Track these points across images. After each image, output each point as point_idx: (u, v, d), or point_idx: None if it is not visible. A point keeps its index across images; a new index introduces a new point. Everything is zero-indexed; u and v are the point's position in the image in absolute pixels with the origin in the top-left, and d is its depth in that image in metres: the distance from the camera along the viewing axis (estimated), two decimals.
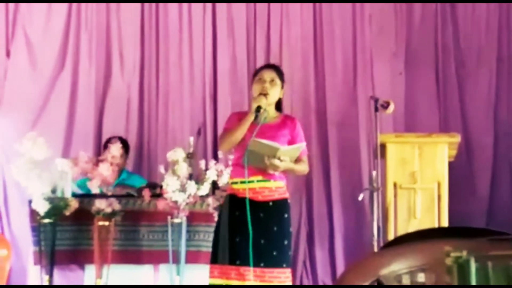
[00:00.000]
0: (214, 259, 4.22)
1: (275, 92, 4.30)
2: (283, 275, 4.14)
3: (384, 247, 3.18)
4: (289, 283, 4.18)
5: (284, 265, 4.16)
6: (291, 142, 4.27)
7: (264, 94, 4.23)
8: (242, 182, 4.19)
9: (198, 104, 7.10)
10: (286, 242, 4.20)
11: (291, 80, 7.06)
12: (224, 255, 4.13)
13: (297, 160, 4.27)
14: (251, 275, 4.05)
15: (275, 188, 4.22)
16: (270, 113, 4.32)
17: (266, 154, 4.07)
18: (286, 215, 4.24)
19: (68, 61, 7.06)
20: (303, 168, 4.39)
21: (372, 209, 5.18)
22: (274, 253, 4.12)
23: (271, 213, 4.18)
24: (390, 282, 2.10)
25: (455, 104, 7.07)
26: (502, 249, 1.88)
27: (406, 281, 2.08)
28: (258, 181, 4.19)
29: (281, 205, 4.23)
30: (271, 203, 4.19)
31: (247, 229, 4.09)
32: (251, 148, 4.10)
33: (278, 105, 4.44)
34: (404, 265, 2.09)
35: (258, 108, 4.16)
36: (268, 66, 4.60)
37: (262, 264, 4.09)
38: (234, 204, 4.19)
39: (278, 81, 4.32)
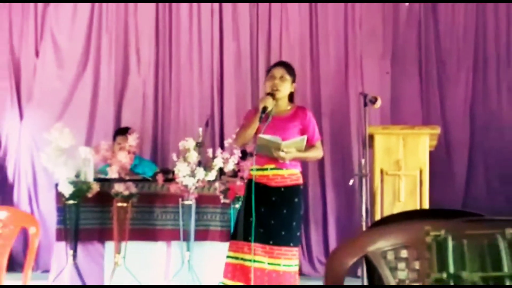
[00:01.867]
0: (234, 236, 4.24)
1: (285, 87, 4.26)
2: (290, 253, 4.13)
3: (371, 226, 3.17)
4: (296, 260, 4.17)
5: (292, 244, 4.14)
6: (302, 130, 4.22)
7: (273, 92, 4.20)
8: (257, 170, 4.18)
9: (206, 98, 7.10)
10: (294, 224, 4.17)
11: None
12: (240, 232, 4.14)
13: (310, 147, 4.24)
14: (252, 251, 4.06)
15: (287, 175, 4.18)
16: (282, 105, 4.28)
17: (272, 147, 4.07)
18: (296, 200, 4.19)
19: (90, 59, 7.08)
20: (315, 154, 4.34)
21: (361, 193, 5.18)
22: (283, 233, 4.11)
23: (282, 197, 4.15)
24: (376, 258, 2.10)
25: (436, 100, 7.07)
26: (477, 229, 1.88)
27: (390, 256, 2.08)
28: (271, 169, 4.16)
29: (292, 191, 4.19)
30: (282, 189, 4.16)
31: (259, 210, 4.10)
32: (259, 142, 4.10)
33: (291, 97, 4.39)
34: (389, 243, 2.08)
35: (264, 109, 4.13)
36: (278, 64, 4.51)
37: (271, 242, 4.09)
38: (250, 188, 4.17)
39: (287, 77, 4.27)
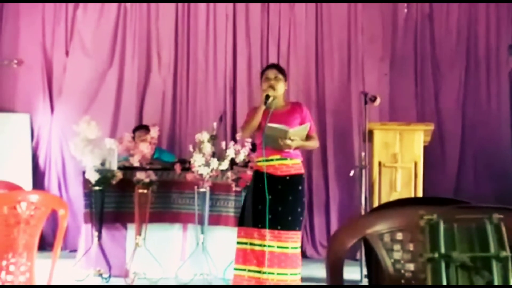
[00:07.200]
0: (241, 222, 4.22)
1: (280, 86, 4.27)
2: (295, 236, 4.12)
3: (370, 212, 3.16)
4: (299, 243, 4.16)
5: (297, 229, 4.13)
6: (301, 122, 4.21)
7: (272, 86, 4.22)
8: (263, 161, 4.16)
9: (220, 96, 7.12)
10: (299, 210, 4.16)
11: (296, 77, 7.09)
12: (249, 219, 4.12)
13: (308, 138, 4.23)
14: (268, 235, 4.06)
15: (291, 164, 4.17)
16: (280, 102, 4.28)
17: (279, 136, 4.05)
18: (300, 188, 4.19)
19: (115, 59, 7.11)
20: (313, 143, 4.33)
21: (360, 183, 5.19)
22: (289, 218, 4.10)
23: (288, 185, 4.14)
24: (374, 240, 2.09)
25: (430, 99, 7.05)
26: (465, 214, 1.88)
27: (387, 239, 2.08)
28: (277, 159, 4.15)
29: (296, 179, 4.18)
30: (287, 178, 4.15)
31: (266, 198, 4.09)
32: (267, 132, 4.07)
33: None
34: (386, 226, 2.08)
35: (267, 97, 4.16)
36: (271, 66, 4.53)
37: (279, 227, 4.07)
38: (257, 178, 4.15)
39: (280, 76, 4.29)
